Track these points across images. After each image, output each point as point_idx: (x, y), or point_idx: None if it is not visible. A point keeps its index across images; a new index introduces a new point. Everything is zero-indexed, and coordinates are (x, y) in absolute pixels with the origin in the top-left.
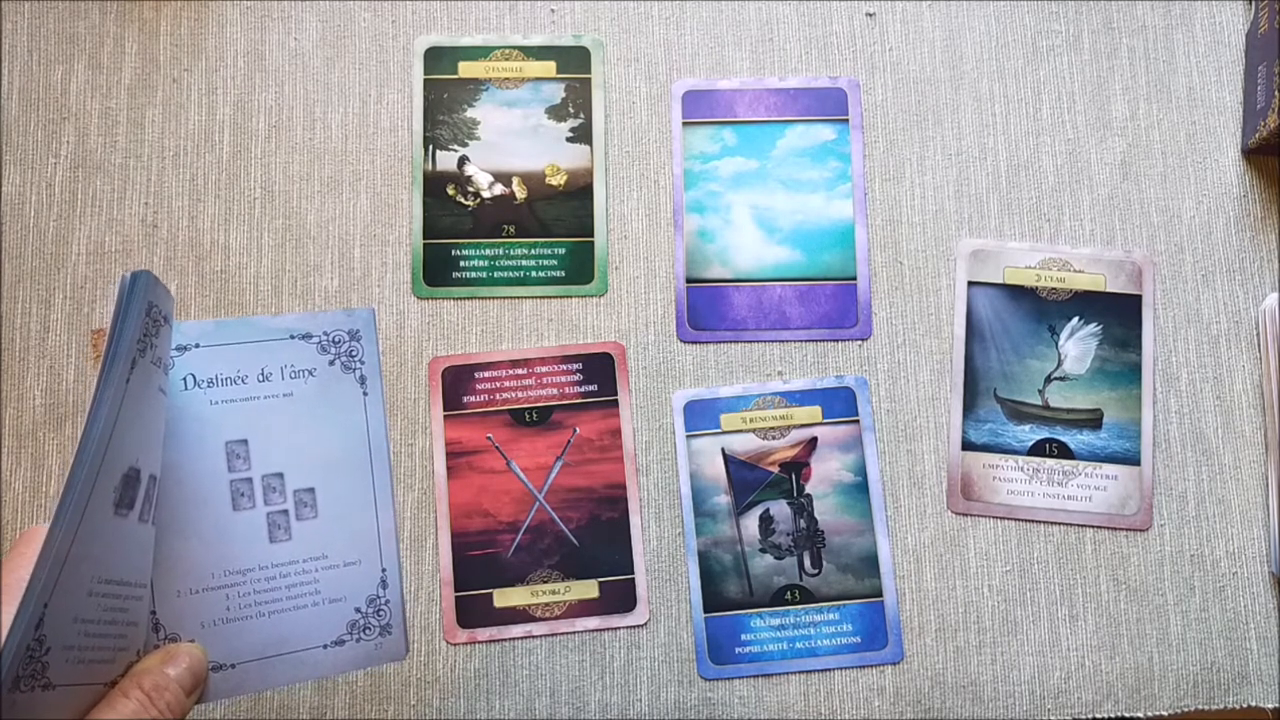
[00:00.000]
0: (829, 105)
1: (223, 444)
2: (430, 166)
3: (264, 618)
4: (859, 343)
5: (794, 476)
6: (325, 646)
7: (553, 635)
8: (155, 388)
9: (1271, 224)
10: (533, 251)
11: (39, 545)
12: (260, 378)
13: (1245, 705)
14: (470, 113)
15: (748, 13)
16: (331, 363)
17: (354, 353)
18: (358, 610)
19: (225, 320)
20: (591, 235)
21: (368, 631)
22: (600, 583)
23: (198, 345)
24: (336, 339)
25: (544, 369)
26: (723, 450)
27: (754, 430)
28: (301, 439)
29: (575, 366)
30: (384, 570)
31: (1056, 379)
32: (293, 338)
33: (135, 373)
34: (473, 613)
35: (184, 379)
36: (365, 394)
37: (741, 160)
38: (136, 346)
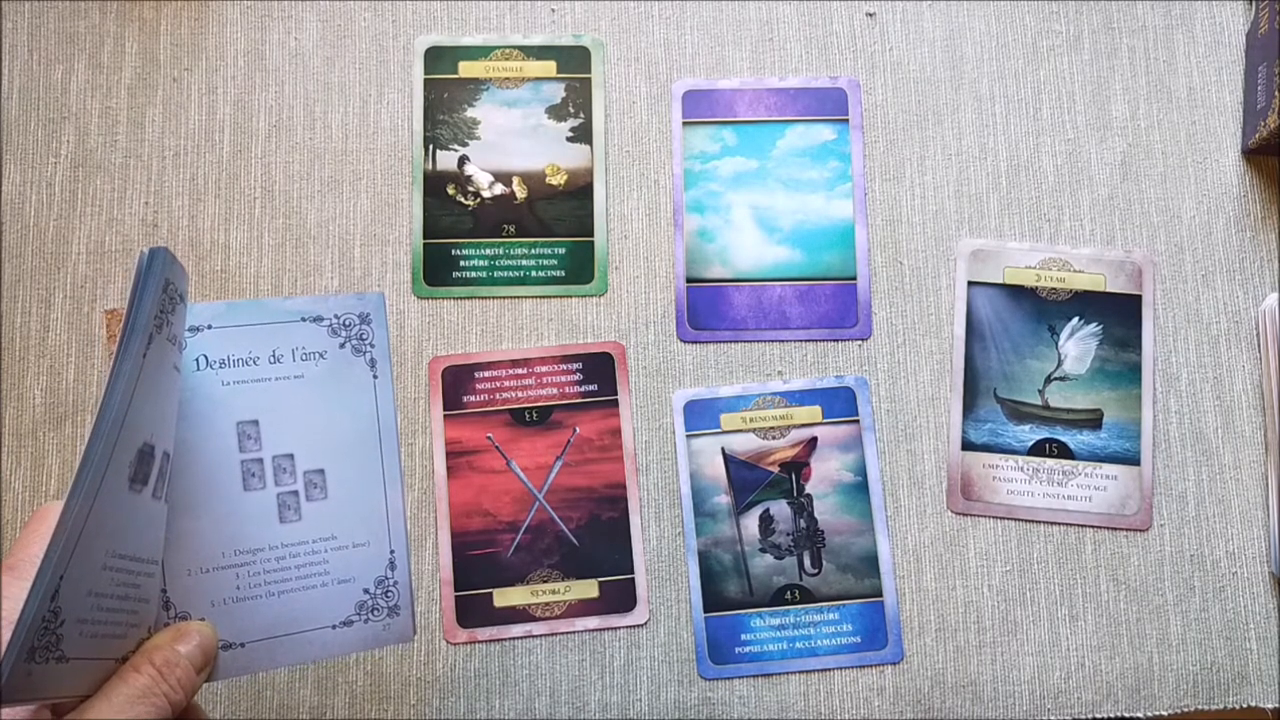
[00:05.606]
0: (829, 105)
1: (234, 424)
2: (430, 166)
3: (273, 597)
4: (859, 343)
5: (794, 476)
6: (334, 627)
7: (553, 635)
8: (170, 365)
9: (1271, 224)
10: (533, 251)
11: (53, 522)
12: (272, 359)
13: (1245, 705)
14: (470, 112)
15: (748, 13)
16: (342, 345)
17: (364, 336)
18: (366, 591)
19: (237, 302)
20: (591, 235)
21: (376, 612)
22: (600, 582)
23: (210, 326)
24: (347, 322)
25: (544, 369)
26: (723, 450)
27: (754, 430)
28: (312, 421)
29: (575, 366)
30: (392, 552)
31: (1056, 379)
32: (304, 320)
33: (151, 348)
34: (473, 612)
35: (196, 360)
36: (375, 377)
37: (741, 160)
38: (154, 322)
